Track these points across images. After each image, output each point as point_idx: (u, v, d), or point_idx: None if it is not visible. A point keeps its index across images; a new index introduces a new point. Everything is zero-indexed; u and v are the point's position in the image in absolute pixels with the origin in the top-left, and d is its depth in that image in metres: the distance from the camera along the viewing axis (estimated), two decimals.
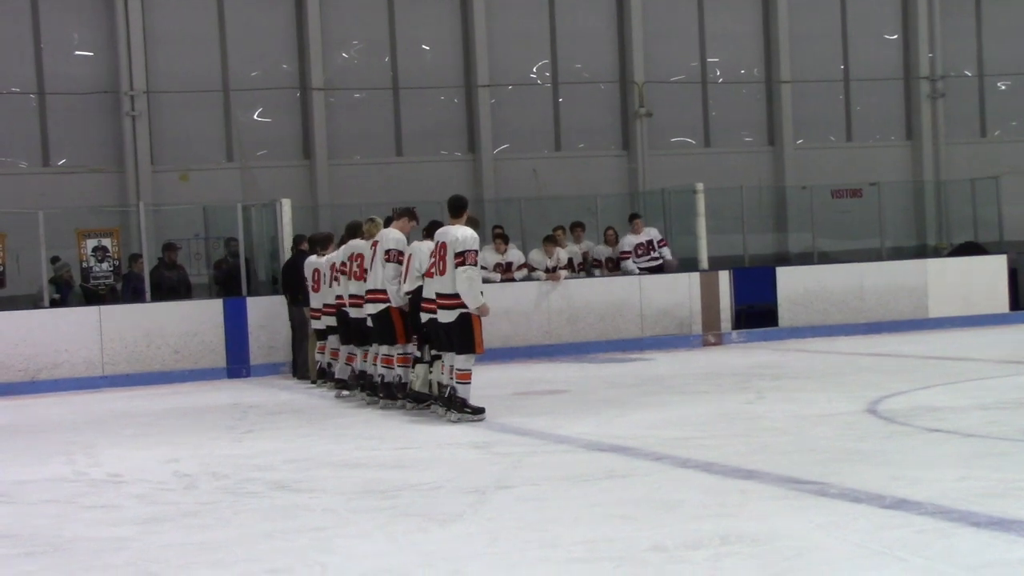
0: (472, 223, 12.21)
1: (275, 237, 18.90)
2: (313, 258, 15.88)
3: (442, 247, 11.87)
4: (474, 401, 12.04)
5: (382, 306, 13.16)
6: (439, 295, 11.88)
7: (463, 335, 11.75)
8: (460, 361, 11.80)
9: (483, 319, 11.90)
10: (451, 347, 11.91)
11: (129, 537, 7.56)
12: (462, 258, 11.65)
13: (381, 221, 13.75)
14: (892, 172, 26.23)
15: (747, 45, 26.39)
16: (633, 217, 20.24)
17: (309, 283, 15.91)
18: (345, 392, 14.58)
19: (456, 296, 11.71)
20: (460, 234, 11.77)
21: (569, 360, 18.08)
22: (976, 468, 8.36)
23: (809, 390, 13.27)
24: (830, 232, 24.13)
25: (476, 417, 11.84)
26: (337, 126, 23.97)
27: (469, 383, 11.90)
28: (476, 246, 11.78)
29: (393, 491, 8.55)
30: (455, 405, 11.89)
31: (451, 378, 11.92)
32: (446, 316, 11.82)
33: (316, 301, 15.69)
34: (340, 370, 15.03)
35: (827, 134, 26.97)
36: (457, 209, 12.04)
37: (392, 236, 13.22)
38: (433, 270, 12.01)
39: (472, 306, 11.68)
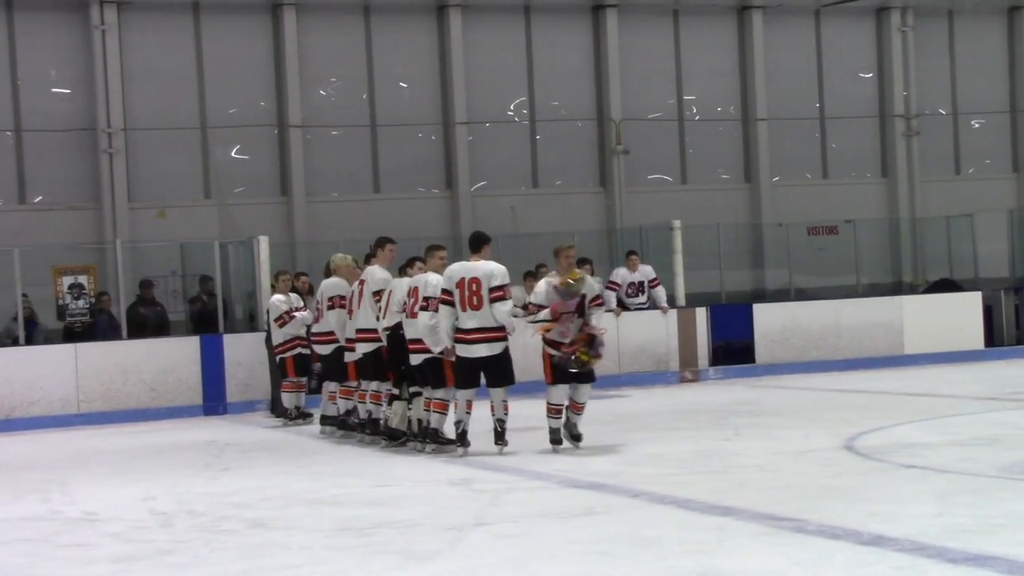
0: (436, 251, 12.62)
1: (253, 274, 18.87)
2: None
3: (474, 282, 11.99)
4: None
5: (375, 345, 13.17)
6: (480, 330, 11.99)
7: (506, 368, 12.17)
8: (503, 393, 12.16)
9: None
10: (473, 383, 12.13)
11: None
12: (501, 292, 11.98)
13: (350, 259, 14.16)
14: (867, 209, 26.32)
15: (723, 83, 26.50)
16: (629, 254, 20.14)
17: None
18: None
19: (500, 329, 12.04)
20: (495, 269, 12.10)
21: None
22: (952, 504, 8.40)
23: (786, 427, 13.30)
24: (806, 269, 24.22)
25: (506, 447, 12.15)
26: (315, 163, 23.96)
27: (508, 414, 12.29)
28: (508, 279, 12.18)
29: (370, 529, 8.54)
30: (499, 437, 12.15)
31: (501, 412, 12.19)
32: (490, 350, 12.03)
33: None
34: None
35: (803, 171, 27.08)
36: (479, 244, 12.27)
37: (379, 276, 13.26)
38: (464, 305, 12.03)
39: (511, 335, 12.16)
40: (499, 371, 12.13)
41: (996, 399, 15.44)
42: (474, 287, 11.98)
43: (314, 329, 15.03)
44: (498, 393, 12.13)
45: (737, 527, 8.03)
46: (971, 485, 9.23)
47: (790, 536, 7.66)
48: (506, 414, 12.17)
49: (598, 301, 12.31)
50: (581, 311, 12.01)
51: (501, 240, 21.84)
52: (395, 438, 12.94)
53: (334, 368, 14.41)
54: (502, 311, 11.97)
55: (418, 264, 12.83)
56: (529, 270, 19.60)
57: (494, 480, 10.54)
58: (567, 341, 11.86)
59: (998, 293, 22.10)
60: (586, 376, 12.06)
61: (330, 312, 14.26)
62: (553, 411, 12.09)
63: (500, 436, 12.13)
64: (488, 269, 12.04)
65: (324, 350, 14.66)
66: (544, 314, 12.00)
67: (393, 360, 12.94)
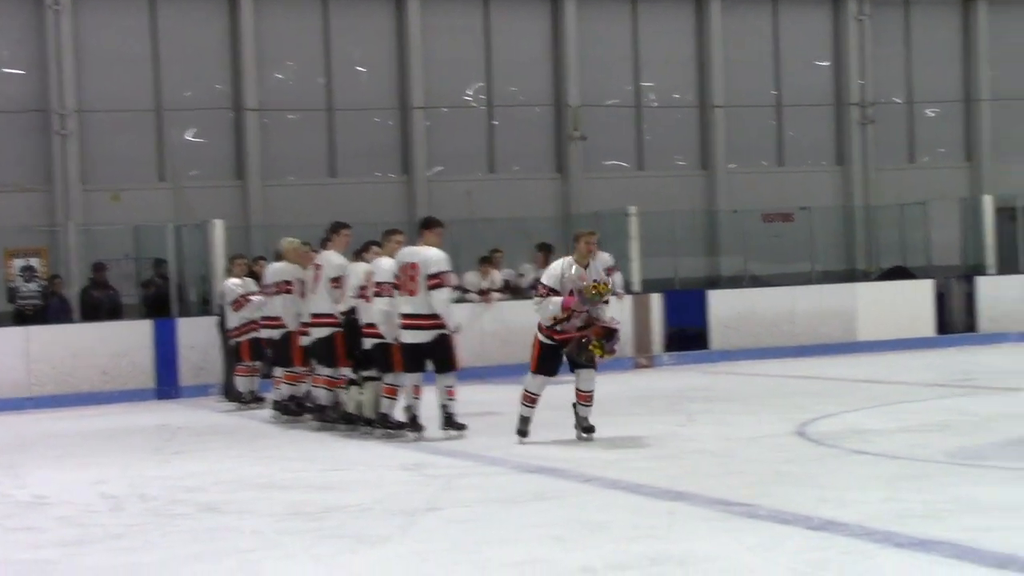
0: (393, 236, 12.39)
1: (207, 258, 18.78)
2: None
3: (412, 267, 11.90)
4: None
5: (329, 330, 13.16)
6: (411, 315, 11.90)
7: (444, 354, 11.94)
8: (446, 379, 11.98)
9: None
10: (418, 367, 12.00)
11: (53, 560, 7.48)
12: (438, 280, 11.79)
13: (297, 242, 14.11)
14: (822, 197, 26.45)
15: (681, 70, 26.56)
16: None
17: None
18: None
19: (431, 316, 11.84)
20: (433, 256, 11.88)
21: (501, 382, 18.05)
22: (901, 490, 8.46)
23: (739, 412, 13.35)
24: (761, 256, 24.32)
25: (460, 433, 11.98)
26: (271, 147, 23.87)
27: (456, 399, 12.09)
28: (448, 266, 11.96)
29: (321, 513, 8.52)
30: (448, 422, 12.02)
31: (444, 397, 12.04)
32: (420, 337, 11.89)
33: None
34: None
35: (759, 159, 27.18)
36: (423, 228, 12.15)
37: (336, 262, 13.24)
38: (401, 290, 11.99)
39: (452, 326, 11.87)
40: (437, 358, 11.97)
41: (946, 386, 15.56)
42: (411, 272, 11.88)
43: (262, 314, 15.02)
44: (440, 379, 12.02)
45: (689, 512, 8.06)
46: (920, 471, 9.30)
47: (742, 521, 7.69)
48: (451, 400, 12.03)
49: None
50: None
51: (457, 225, 21.83)
52: (350, 423, 12.93)
53: (280, 353, 14.40)
54: (437, 299, 11.80)
55: (374, 249, 12.79)
56: (484, 255, 19.67)
57: (446, 465, 10.54)
58: (567, 328, 11.22)
59: (950, 281, 22.28)
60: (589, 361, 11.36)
61: (275, 297, 14.25)
62: (528, 400, 11.58)
63: (448, 422, 12.04)
64: (426, 255, 11.88)
65: (272, 335, 14.64)
66: (554, 307, 11.18)
67: (347, 345, 12.95)
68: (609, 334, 11.28)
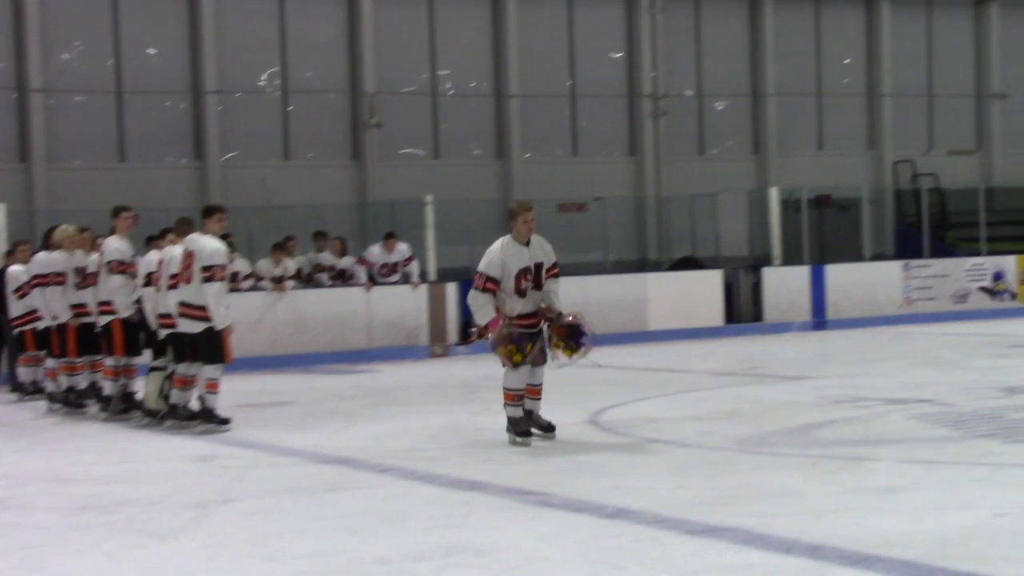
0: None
1: None
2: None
3: (189, 256, 11.65)
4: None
5: (109, 317, 12.88)
6: (184, 304, 11.66)
7: (211, 345, 11.61)
8: (209, 371, 11.67)
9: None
10: (197, 357, 11.72)
11: None
12: (209, 273, 11.52)
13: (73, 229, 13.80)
14: (616, 187, 26.85)
15: (477, 59, 26.65)
16: (388, 236, 20.14)
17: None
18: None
19: (203, 308, 11.56)
20: (208, 247, 11.61)
21: (295, 371, 17.90)
22: (691, 477, 8.65)
23: None
24: (555, 245, 24.35)
25: (222, 428, 11.69)
26: (56, 129, 23.18)
27: (217, 393, 11.76)
28: (223, 260, 11.65)
29: (111, 506, 8.33)
30: (203, 415, 11.73)
31: (202, 389, 11.77)
32: (192, 327, 11.64)
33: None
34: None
35: (554, 149, 27.44)
36: (203, 216, 11.89)
37: (113, 246, 12.98)
38: (179, 279, 11.75)
39: (220, 323, 11.55)
40: (203, 349, 11.64)
41: (734, 374, 15.95)
42: (188, 261, 11.65)
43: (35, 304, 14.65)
44: (205, 370, 11.71)
45: (484, 501, 8.12)
46: (709, 458, 9.52)
47: (535, 510, 7.77)
48: (211, 393, 11.72)
49: (555, 271, 10.69)
50: (538, 283, 10.47)
51: (251, 212, 21.61)
52: (149, 414, 12.65)
53: (55, 344, 14.00)
54: (208, 292, 11.52)
55: (169, 236, 12.52)
56: (278, 242, 19.47)
57: (239, 456, 10.40)
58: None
59: (738, 271, 22.83)
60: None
61: (47, 288, 13.91)
62: (511, 399, 10.45)
63: (206, 415, 11.73)
64: (202, 245, 11.64)
65: (49, 325, 14.27)
66: (483, 318, 10.36)
67: (136, 334, 12.75)
68: (573, 331, 10.55)
